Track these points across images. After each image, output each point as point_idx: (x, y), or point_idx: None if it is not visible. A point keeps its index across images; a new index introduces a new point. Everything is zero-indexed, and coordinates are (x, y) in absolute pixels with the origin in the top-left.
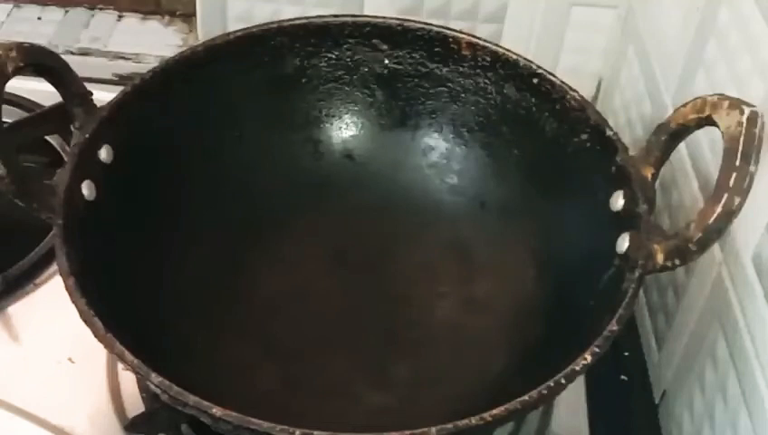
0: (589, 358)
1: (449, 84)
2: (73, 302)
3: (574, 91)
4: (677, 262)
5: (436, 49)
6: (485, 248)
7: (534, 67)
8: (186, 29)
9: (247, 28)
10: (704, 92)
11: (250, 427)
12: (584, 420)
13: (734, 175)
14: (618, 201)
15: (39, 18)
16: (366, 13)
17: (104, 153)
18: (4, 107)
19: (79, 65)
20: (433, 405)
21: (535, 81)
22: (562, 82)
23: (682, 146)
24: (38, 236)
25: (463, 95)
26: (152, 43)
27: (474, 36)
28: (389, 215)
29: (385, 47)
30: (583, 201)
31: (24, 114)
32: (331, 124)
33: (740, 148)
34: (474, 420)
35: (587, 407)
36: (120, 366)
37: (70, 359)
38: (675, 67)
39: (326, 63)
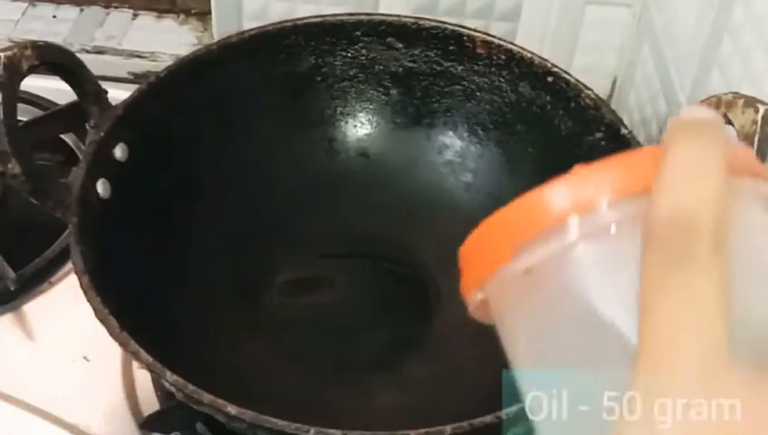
0: None
1: (464, 83)
2: (88, 300)
3: (589, 89)
4: None
5: (451, 47)
6: None
7: (549, 65)
8: (201, 27)
9: (262, 26)
10: (718, 91)
11: (265, 425)
12: None
13: None
14: None
15: (54, 16)
16: (381, 11)
17: (119, 151)
18: (20, 105)
19: (94, 64)
20: (448, 403)
21: (550, 79)
22: (577, 80)
23: None
24: (53, 234)
25: (478, 93)
26: (167, 41)
27: (488, 35)
28: (404, 213)
29: (400, 45)
30: None
31: (40, 113)
32: (346, 122)
33: (755, 146)
34: (489, 419)
35: None
36: (135, 364)
37: (85, 357)
38: (689, 65)
39: (341, 62)
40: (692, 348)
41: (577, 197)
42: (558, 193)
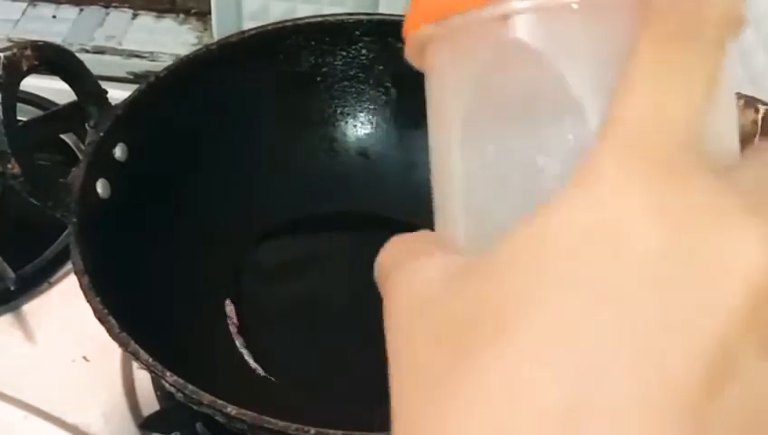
0: None
1: None
2: (88, 300)
3: None
4: None
5: None
6: None
7: None
8: (200, 27)
9: (262, 26)
10: None
11: (265, 426)
12: None
13: None
14: None
15: (54, 16)
16: (380, 11)
17: (119, 151)
18: (19, 105)
19: (93, 63)
20: None
21: None
22: None
23: None
24: (53, 234)
25: None
26: (167, 41)
27: None
28: (405, 213)
29: (400, 45)
30: None
31: (39, 112)
32: (346, 123)
33: None
34: None
35: None
36: (135, 364)
37: (84, 357)
38: None
39: (341, 62)
40: (667, 136)
41: None
42: None
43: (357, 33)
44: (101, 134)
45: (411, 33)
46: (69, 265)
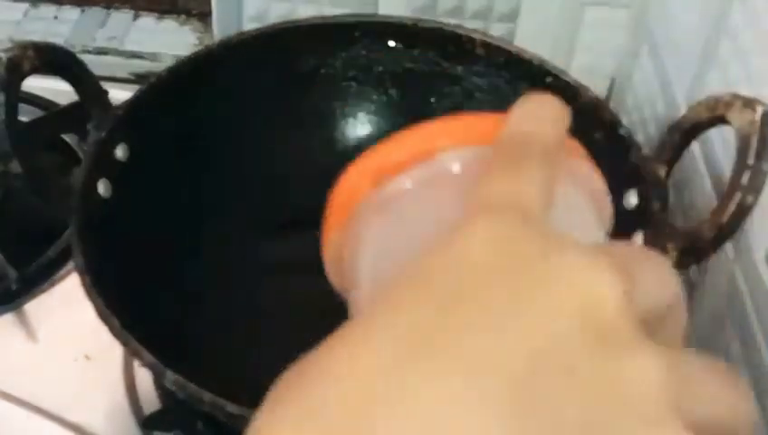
0: None
1: (463, 83)
2: (90, 299)
3: (588, 90)
4: (691, 260)
5: (451, 48)
6: None
7: (548, 67)
8: (201, 28)
9: (263, 27)
10: (717, 91)
11: None
12: None
13: (747, 173)
14: (631, 199)
15: (55, 17)
16: (380, 12)
17: (120, 152)
18: (21, 106)
19: (95, 64)
20: None
21: (549, 80)
22: (576, 80)
23: (695, 145)
24: (54, 234)
25: (477, 94)
26: (168, 42)
27: (487, 36)
28: None
29: (400, 46)
30: None
31: (41, 113)
32: (347, 123)
33: (753, 146)
34: None
35: None
36: (136, 363)
37: (86, 356)
38: (688, 66)
39: (341, 62)
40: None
41: (425, 144)
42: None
43: (357, 34)
44: (103, 134)
45: (326, 248)
46: (71, 265)
